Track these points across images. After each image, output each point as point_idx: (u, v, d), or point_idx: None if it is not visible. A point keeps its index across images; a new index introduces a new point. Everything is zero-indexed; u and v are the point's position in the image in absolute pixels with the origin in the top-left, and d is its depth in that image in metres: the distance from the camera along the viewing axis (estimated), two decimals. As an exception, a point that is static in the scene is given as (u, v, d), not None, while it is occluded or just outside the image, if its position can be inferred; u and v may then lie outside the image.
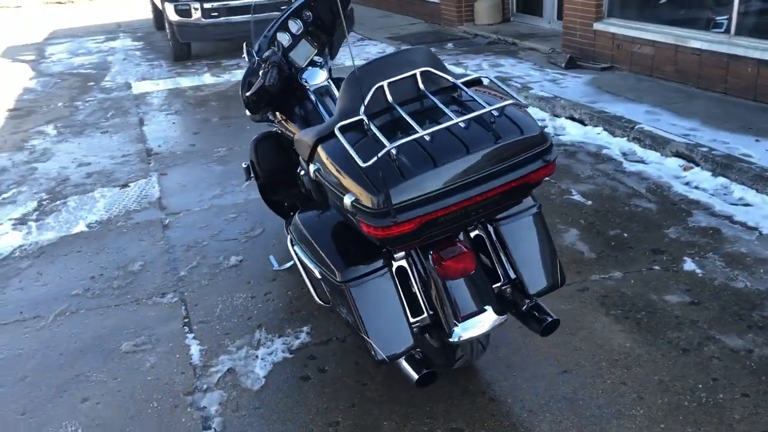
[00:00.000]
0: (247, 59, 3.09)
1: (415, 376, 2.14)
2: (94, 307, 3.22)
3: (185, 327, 3.00)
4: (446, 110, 1.97)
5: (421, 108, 2.08)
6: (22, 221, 4.27)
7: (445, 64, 2.21)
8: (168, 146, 5.57)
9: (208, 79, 7.88)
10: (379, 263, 2.15)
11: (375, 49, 8.65)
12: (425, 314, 2.23)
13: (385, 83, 2.06)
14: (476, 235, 2.33)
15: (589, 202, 3.90)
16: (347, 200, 1.91)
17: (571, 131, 5.15)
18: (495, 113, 1.95)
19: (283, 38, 3.15)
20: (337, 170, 1.99)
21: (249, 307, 3.10)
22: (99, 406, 2.55)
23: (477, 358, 2.51)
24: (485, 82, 2.17)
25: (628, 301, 2.94)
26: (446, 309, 2.18)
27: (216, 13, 8.47)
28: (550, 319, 2.28)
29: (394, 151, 1.85)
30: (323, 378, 2.59)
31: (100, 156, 5.44)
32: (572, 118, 5.34)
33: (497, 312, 2.21)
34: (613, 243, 3.44)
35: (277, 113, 3.11)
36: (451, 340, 2.17)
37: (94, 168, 5.17)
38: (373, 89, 2.05)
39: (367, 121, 2.00)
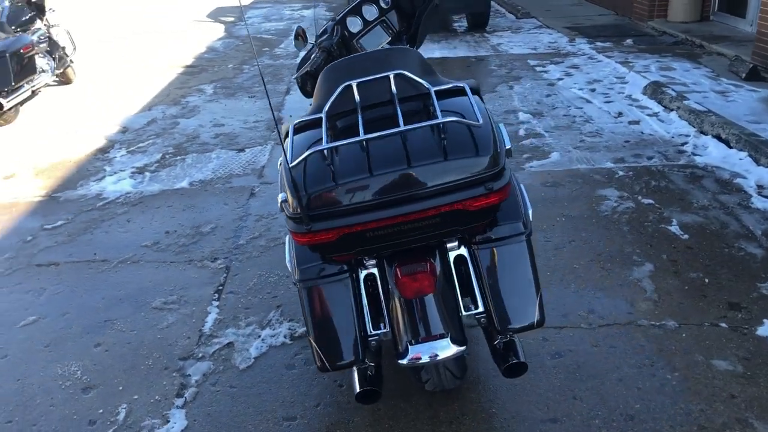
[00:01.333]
0: (294, 44, 3.08)
1: (356, 390, 2.06)
2: (152, 260, 3.45)
3: (215, 294, 3.11)
4: (400, 118, 1.83)
5: (383, 113, 1.95)
6: (140, 171, 4.67)
7: (435, 76, 2.04)
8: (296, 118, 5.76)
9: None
10: (341, 267, 2.07)
11: (547, 39, 8.26)
12: (387, 328, 2.11)
13: (354, 83, 1.95)
14: (458, 256, 2.15)
15: (686, 236, 3.44)
16: (279, 198, 1.86)
17: (712, 152, 4.55)
18: (446, 128, 1.77)
19: (354, 23, 3.11)
20: (280, 165, 1.94)
21: (278, 287, 3.15)
22: (105, 354, 2.74)
23: (451, 386, 2.34)
24: (467, 89, 1.97)
25: (666, 357, 2.56)
26: (402, 327, 2.05)
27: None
28: (514, 361, 2.06)
29: (326, 155, 1.76)
30: (305, 371, 2.57)
31: (236, 119, 5.76)
32: (719, 138, 4.72)
33: (456, 342, 2.03)
34: (687, 287, 3.01)
35: None
36: (399, 361, 2.04)
37: (225, 130, 5.49)
38: (340, 88, 1.95)
39: (324, 120, 1.92)
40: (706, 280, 3.05)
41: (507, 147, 2.02)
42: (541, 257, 3.26)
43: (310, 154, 1.74)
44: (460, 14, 9.63)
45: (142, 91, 6.81)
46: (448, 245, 2.11)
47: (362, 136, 1.76)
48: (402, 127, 1.76)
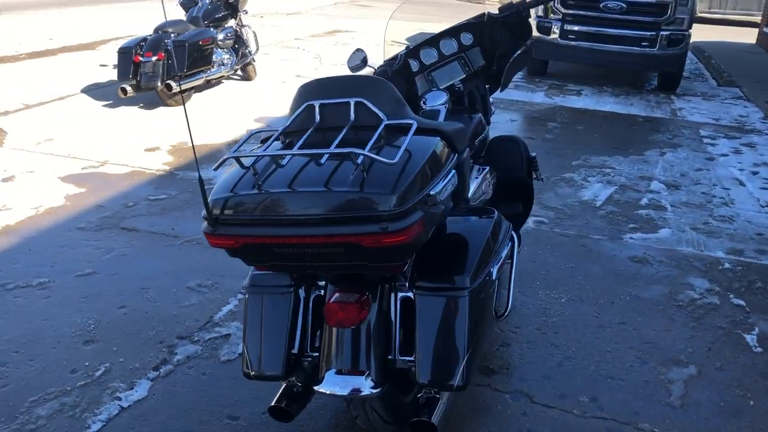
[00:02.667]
0: (348, 64, 3.12)
1: (271, 403, 2.08)
2: (214, 246, 3.68)
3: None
4: (335, 142, 1.82)
5: (333, 136, 1.94)
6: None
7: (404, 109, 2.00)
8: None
9: (539, 98, 7.86)
10: (287, 281, 2.10)
11: (738, 111, 7.56)
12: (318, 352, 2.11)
13: (316, 103, 1.98)
14: (406, 298, 2.08)
15: (759, 349, 3.00)
16: None
17: None
18: (364, 161, 1.72)
19: (429, 55, 3.12)
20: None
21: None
22: (123, 316, 2.99)
23: (381, 429, 2.25)
24: (413, 127, 1.90)
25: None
26: (326, 353, 2.03)
27: (573, 36, 8.33)
28: (423, 419, 1.96)
29: (244, 163, 1.81)
30: (274, 378, 2.60)
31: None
32: None
33: (373, 384, 1.97)
34: (723, 405, 2.62)
35: None
36: (314, 387, 2.03)
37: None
38: (303, 107, 1.99)
39: (278, 134, 1.97)
40: (751, 402, 2.64)
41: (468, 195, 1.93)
42: (578, 332, 3.02)
43: (225, 159, 1.79)
44: (651, 72, 9.12)
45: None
46: (398, 284, 2.06)
47: (275, 151, 1.78)
48: (318, 150, 1.75)
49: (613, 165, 5.49)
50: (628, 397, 2.60)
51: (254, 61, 7.71)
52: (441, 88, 3.13)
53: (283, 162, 1.79)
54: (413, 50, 3.13)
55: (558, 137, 6.31)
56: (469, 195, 2.82)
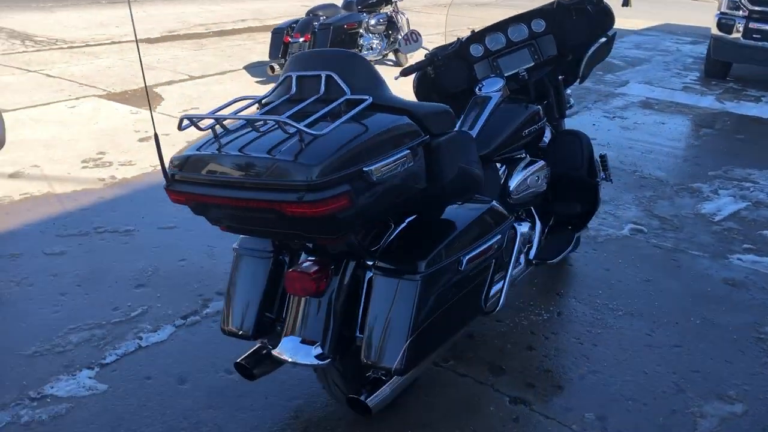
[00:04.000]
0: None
1: (237, 359, 2.18)
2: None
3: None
4: (290, 111, 1.85)
5: (298, 107, 1.97)
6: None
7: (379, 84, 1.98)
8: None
9: (706, 102, 7.23)
10: (269, 246, 2.19)
11: None
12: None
13: (293, 75, 2.02)
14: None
15: (835, 400, 2.58)
16: None
17: None
18: (301, 133, 1.73)
19: (496, 40, 3.03)
20: None
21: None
22: (179, 269, 3.25)
23: (342, 400, 2.24)
24: (365, 103, 1.87)
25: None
26: (287, 318, 2.10)
27: (759, 36, 7.51)
28: (361, 398, 1.96)
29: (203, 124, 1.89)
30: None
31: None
32: None
33: (321, 354, 2.01)
34: (754, 450, 2.31)
35: None
36: (272, 350, 2.10)
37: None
38: (282, 77, 2.04)
39: (255, 102, 2.04)
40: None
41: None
42: (620, 347, 2.80)
43: (182, 119, 1.88)
44: None
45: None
46: (368, 262, 2.06)
47: (212, 114, 1.83)
48: (249, 116, 1.79)
49: (757, 180, 4.91)
50: (642, 423, 2.37)
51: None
52: (505, 75, 3.02)
53: (236, 128, 1.86)
54: (478, 35, 3.04)
55: (705, 144, 5.76)
56: (512, 187, 2.71)
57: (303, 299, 2.05)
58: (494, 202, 2.27)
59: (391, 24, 7.58)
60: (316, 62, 1.98)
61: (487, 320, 2.92)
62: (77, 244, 3.41)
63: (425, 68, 2.91)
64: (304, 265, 2.00)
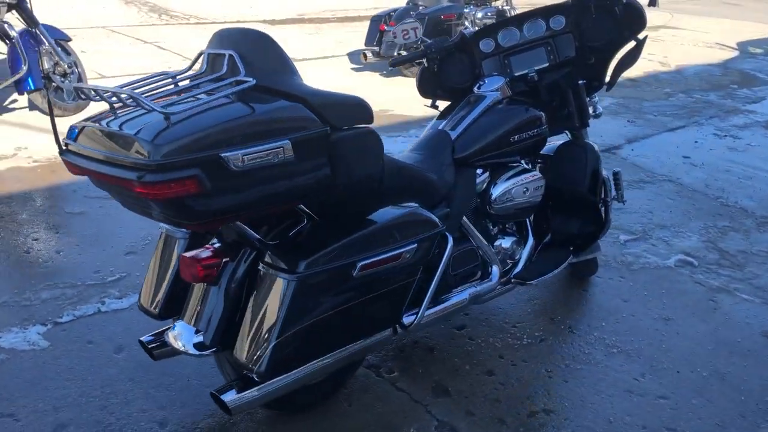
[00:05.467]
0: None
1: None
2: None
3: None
4: (177, 87, 1.79)
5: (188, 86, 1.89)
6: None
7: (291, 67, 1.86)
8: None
9: None
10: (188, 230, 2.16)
11: None
12: None
13: (206, 53, 1.95)
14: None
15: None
16: None
17: None
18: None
19: (509, 36, 2.80)
20: None
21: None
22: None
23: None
24: (246, 85, 1.75)
25: None
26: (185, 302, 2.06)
27: None
28: (219, 395, 1.87)
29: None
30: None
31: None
32: None
33: (200, 344, 1.95)
34: None
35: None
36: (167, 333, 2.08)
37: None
38: (196, 55, 1.99)
39: (167, 77, 1.99)
40: None
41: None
42: (593, 388, 2.50)
43: (75, 88, 1.87)
44: None
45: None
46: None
47: (87, 86, 1.79)
48: (103, 87, 1.73)
49: None
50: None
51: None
52: (515, 75, 2.78)
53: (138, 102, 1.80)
54: (489, 29, 2.81)
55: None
56: (494, 197, 2.50)
57: (200, 285, 1.99)
58: (417, 208, 2.07)
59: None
60: (226, 41, 1.89)
61: (457, 335, 2.72)
62: (98, 207, 3.57)
63: (418, 60, 2.73)
64: (198, 250, 1.94)
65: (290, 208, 1.89)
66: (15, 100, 5.20)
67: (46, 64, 4.61)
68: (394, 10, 6.63)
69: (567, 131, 2.95)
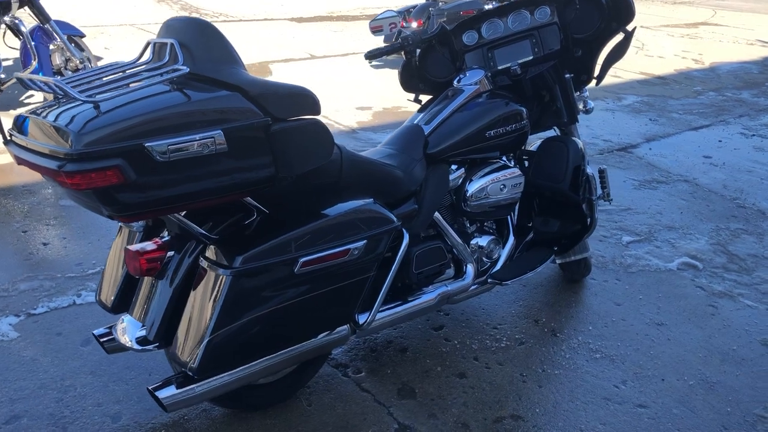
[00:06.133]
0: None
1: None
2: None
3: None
4: (109, 79, 1.76)
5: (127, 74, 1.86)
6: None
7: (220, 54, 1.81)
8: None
9: None
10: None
11: None
12: None
13: (153, 41, 1.92)
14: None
15: None
16: None
17: None
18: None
19: (493, 28, 2.72)
20: None
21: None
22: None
23: None
24: (179, 72, 1.70)
25: None
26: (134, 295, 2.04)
27: None
28: (155, 392, 1.84)
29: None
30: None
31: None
32: None
33: (143, 339, 1.93)
34: None
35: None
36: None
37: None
38: (144, 43, 1.96)
39: (120, 67, 1.97)
40: None
41: None
42: (572, 400, 2.39)
43: (15, 78, 1.85)
44: None
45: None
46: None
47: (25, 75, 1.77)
48: (48, 79, 1.70)
49: None
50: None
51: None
52: (498, 68, 2.69)
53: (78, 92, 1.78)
54: (473, 21, 2.73)
55: None
56: (469, 193, 2.42)
57: (148, 279, 1.96)
58: (371, 203, 2.00)
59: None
60: (171, 30, 1.86)
61: (433, 336, 2.64)
62: (92, 200, 3.58)
63: (395, 53, 2.66)
64: (144, 243, 1.91)
65: (236, 201, 1.84)
66: (31, 95, 5.29)
67: (58, 60, 4.68)
68: (414, 6, 6.56)
69: (556, 127, 2.84)
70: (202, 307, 1.76)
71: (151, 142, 1.56)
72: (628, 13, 2.57)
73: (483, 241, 2.52)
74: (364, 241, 1.93)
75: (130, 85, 1.65)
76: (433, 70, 2.73)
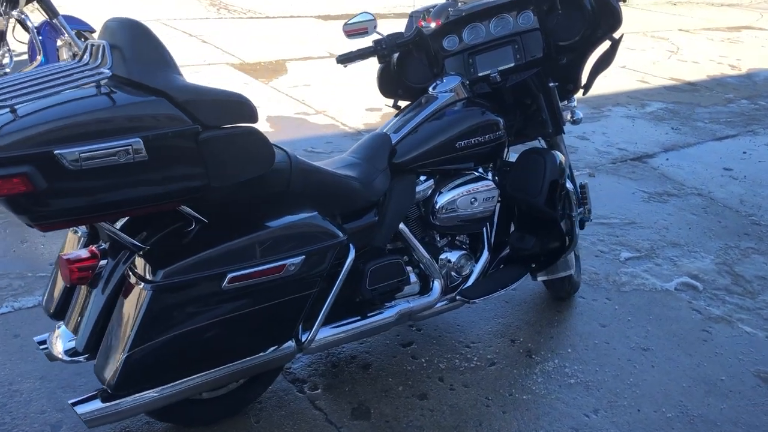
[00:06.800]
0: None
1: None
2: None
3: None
4: (36, 82, 1.70)
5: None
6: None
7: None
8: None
9: None
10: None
11: None
12: None
13: (89, 42, 1.86)
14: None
15: None
16: None
17: None
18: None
19: (474, 33, 2.61)
20: None
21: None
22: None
23: None
24: (101, 77, 1.63)
25: None
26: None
27: None
28: (75, 404, 1.78)
29: None
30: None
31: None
32: None
33: (71, 350, 1.87)
34: None
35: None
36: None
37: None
38: (88, 42, 1.90)
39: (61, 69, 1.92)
40: None
41: None
42: (535, 429, 2.27)
43: None
44: None
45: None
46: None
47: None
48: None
49: None
50: None
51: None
52: (479, 75, 2.57)
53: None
54: (454, 24, 2.61)
55: None
56: (438, 206, 2.32)
57: (84, 288, 1.90)
58: (314, 217, 1.91)
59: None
60: (107, 31, 1.79)
61: (400, 353, 2.54)
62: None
63: (368, 57, 2.56)
64: (78, 251, 1.85)
65: (169, 210, 1.76)
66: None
67: (65, 55, 4.68)
68: (434, 6, 6.41)
69: (541, 138, 2.71)
70: (123, 320, 1.69)
71: (61, 149, 1.49)
72: (615, 20, 2.42)
73: (453, 256, 2.41)
74: (302, 257, 1.83)
75: (53, 89, 1.58)
76: (413, 76, 2.62)
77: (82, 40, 4.76)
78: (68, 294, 2.00)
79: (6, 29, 4.44)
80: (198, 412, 2.09)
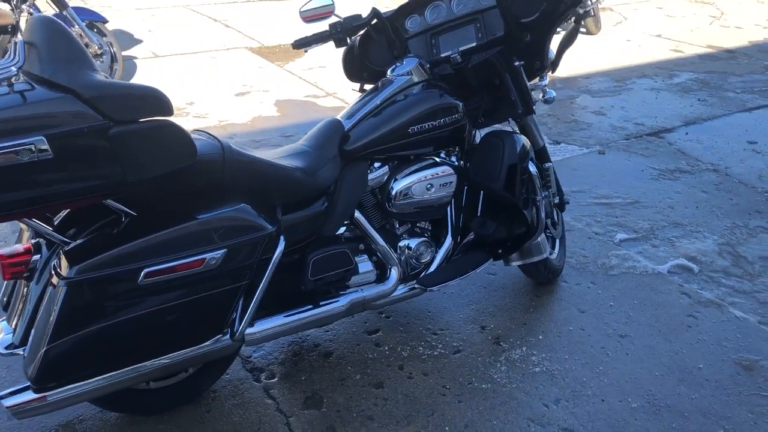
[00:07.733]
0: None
1: None
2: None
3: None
4: None
5: None
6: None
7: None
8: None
9: None
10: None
11: None
12: None
13: (17, 40, 1.88)
14: None
15: None
16: None
17: None
18: None
19: (436, 12, 2.54)
20: None
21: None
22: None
23: None
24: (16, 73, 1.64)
25: None
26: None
27: None
28: (3, 397, 1.83)
29: None
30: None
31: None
32: None
33: (10, 344, 1.92)
34: None
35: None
36: None
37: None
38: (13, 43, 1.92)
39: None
40: None
41: None
42: (491, 419, 2.22)
43: None
44: None
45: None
46: None
47: None
48: None
49: None
50: None
51: (592, 15, 6.91)
52: (441, 55, 2.50)
53: None
54: (414, 4, 2.54)
55: None
56: (393, 193, 2.28)
57: (25, 282, 1.94)
58: (240, 209, 1.89)
59: None
60: (28, 28, 1.80)
61: (364, 340, 2.52)
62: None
63: (325, 41, 2.51)
64: (13, 246, 1.89)
65: (91, 205, 1.77)
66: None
67: (76, 46, 4.78)
68: None
69: (511, 119, 2.62)
70: (45, 316, 1.72)
71: None
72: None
73: (412, 243, 2.36)
74: (224, 251, 1.82)
75: None
76: (375, 59, 2.57)
77: (94, 31, 4.85)
78: (14, 288, 2.05)
79: (18, 22, 4.56)
80: (148, 401, 2.12)
